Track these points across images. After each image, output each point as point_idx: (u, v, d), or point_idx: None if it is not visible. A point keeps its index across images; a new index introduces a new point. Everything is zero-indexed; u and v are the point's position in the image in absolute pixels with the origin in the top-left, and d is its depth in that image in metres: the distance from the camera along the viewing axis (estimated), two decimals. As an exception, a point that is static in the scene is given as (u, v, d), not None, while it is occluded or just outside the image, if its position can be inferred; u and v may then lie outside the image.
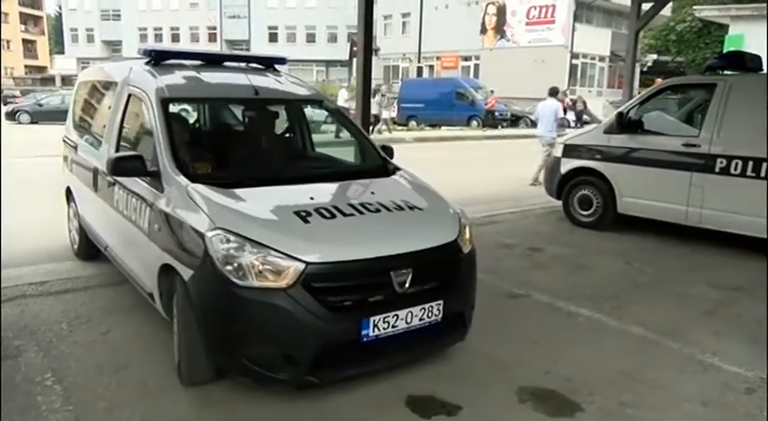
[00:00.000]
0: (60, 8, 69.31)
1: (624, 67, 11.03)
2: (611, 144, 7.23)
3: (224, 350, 3.14)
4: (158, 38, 58.23)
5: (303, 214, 3.23)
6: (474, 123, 26.59)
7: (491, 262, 5.92)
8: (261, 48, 49.64)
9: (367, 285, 3.13)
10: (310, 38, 54.00)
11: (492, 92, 28.68)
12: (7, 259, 5.25)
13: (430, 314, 3.28)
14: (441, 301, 3.31)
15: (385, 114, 23.27)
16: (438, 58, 41.68)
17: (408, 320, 3.20)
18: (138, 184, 3.77)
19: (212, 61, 4.73)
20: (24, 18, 72.14)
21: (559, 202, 7.96)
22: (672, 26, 30.90)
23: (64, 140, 5.91)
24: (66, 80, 41.72)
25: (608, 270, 5.87)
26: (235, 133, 4.87)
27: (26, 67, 63.92)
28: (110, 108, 4.64)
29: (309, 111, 5.11)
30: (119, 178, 3.97)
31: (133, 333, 4.00)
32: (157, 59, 4.39)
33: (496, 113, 27.46)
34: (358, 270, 3.10)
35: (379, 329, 3.11)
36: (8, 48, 69.11)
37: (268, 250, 2.99)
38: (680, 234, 6.83)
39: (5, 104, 31.42)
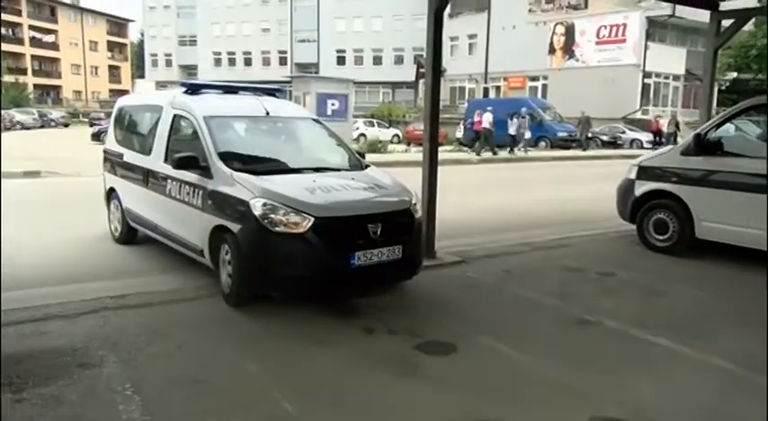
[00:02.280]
0: (143, 35, 73.29)
1: (700, 87, 10.59)
2: (689, 166, 6.95)
3: (262, 274, 4.77)
4: (232, 62, 60.64)
5: (310, 189, 4.94)
6: (542, 144, 26.18)
7: (558, 286, 5.80)
8: (329, 70, 50.67)
9: (352, 232, 4.79)
10: (377, 60, 54.80)
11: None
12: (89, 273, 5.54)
13: (393, 253, 4.96)
14: (400, 246, 5.00)
15: (527, 135, 23.71)
16: (505, 78, 41.41)
17: (379, 257, 4.87)
18: (190, 176, 5.45)
19: (231, 90, 6.53)
20: (111, 46, 76.75)
21: (632, 226, 7.71)
22: (753, 43, 29.53)
23: (105, 152, 7.64)
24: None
25: (685, 297, 5.61)
26: (255, 139, 6.27)
27: (110, 90, 67.74)
28: (156, 124, 6.37)
29: (306, 125, 6.64)
30: (172, 173, 5.71)
31: (206, 347, 4.13)
32: (193, 90, 6.19)
33: (564, 133, 26.94)
34: (346, 223, 4.81)
35: (361, 260, 4.77)
36: (96, 73, 73.61)
37: (290, 209, 4.69)
38: (760, 260, 6.46)
39: (91, 126, 33.33)
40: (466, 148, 25.85)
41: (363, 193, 5.25)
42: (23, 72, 62.65)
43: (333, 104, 22.20)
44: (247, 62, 60.24)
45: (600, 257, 7.04)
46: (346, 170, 5.78)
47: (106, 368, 3.72)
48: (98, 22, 74.83)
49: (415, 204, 5.34)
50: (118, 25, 78.97)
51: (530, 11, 39.46)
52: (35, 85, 64.25)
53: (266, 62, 59.28)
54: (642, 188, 7.47)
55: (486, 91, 42.20)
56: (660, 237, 7.28)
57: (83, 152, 18.43)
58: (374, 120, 36.67)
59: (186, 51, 62.95)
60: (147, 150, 6.46)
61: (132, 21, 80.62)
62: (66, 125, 48.05)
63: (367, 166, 5.99)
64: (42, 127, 44.40)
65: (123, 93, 66.99)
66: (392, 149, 23.86)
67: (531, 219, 9.47)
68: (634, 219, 7.63)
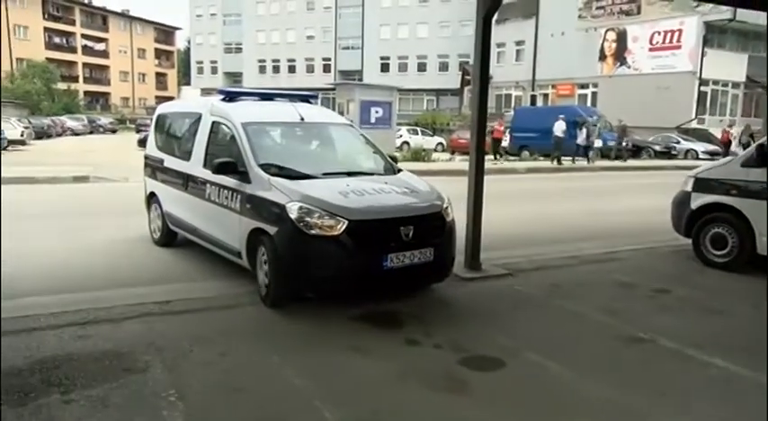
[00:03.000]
0: (189, 42, 75.27)
1: (763, 94, 10.22)
2: (750, 178, 6.72)
3: (298, 275, 4.99)
4: (276, 69, 61.68)
5: (344, 193, 5.14)
6: (591, 154, 25.70)
7: (609, 301, 5.67)
8: (372, 77, 51.05)
9: (385, 235, 5.00)
10: (421, 67, 54.89)
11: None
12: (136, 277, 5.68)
13: (425, 256, 5.16)
14: (432, 248, 5.20)
15: (597, 144, 23.68)
16: (553, 86, 40.92)
17: (411, 259, 5.08)
18: (228, 181, 5.69)
19: (266, 97, 6.78)
20: (159, 53, 79.10)
21: (688, 240, 7.49)
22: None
23: (146, 157, 7.97)
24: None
25: (744, 316, 5.41)
26: (290, 145, 6.47)
27: (157, 97, 69.62)
28: (195, 131, 6.64)
29: (340, 131, 6.81)
30: (211, 178, 5.95)
31: (248, 356, 4.18)
32: (231, 97, 6.54)
33: (615, 143, 26.42)
34: (379, 226, 5.01)
35: (393, 262, 4.98)
36: (143, 80, 75.94)
37: (324, 213, 4.90)
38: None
39: (138, 132, 34.39)
40: (512, 157, 25.61)
41: (396, 197, 5.44)
42: (75, 79, 65.03)
43: (376, 112, 22.35)
44: (291, 69, 61.17)
45: (653, 272, 6.85)
46: (379, 175, 5.98)
47: (151, 373, 3.81)
48: (146, 30, 77.22)
49: (446, 208, 5.52)
50: (165, 33, 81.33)
51: (579, 17, 38.95)
52: (85, 92, 66.63)
53: (310, 69, 60.09)
54: (699, 201, 7.25)
55: (533, 98, 41.74)
56: (718, 253, 7.05)
57: (129, 157, 18.95)
58: (418, 128, 36.69)
59: (231, 59, 64.35)
60: (186, 156, 6.75)
61: (179, 29, 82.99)
62: (114, 131, 49.68)
63: (400, 171, 6.20)
64: (91, 133, 46.09)
65: (169, 99, 68.97)
66: (436, 158, 23.79)
67: (580, 230, 9.30)
68: (690, 232, 7.41)
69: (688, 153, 28.45)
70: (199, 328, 4.64)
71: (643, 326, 4.95)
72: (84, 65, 68.35)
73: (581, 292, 5.97)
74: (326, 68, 59.13)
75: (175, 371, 3.85)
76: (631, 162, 25.07)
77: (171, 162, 7.18)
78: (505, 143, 28.19)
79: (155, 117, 8.27)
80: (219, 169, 5.66)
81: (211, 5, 64.81)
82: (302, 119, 6.28)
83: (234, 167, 5.59)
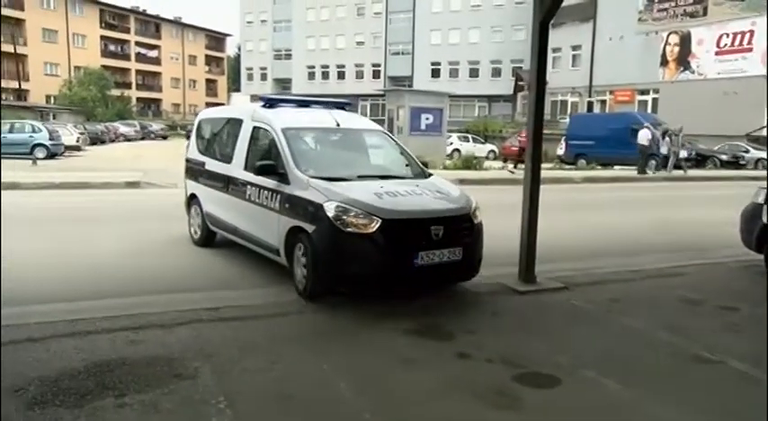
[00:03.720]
0: (239, 49, 77.07)
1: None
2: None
3: (334, 271, 5.41)
4: (325, 76, 62.48)
5: (378, 194, 5.54)
6: (652, 163, 25.08)
7: (672, 318, 5.51)
8: (423, 83, 51.16)
9: (416, 234, 5.36)
10: (473, 73, 54.70)
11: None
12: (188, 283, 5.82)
13: (453, 255, 5.53)
14: (461, 248, 5.57)
15: (683, 154, 23.17)
16: (611, 91, 40.16)
17: (441, 257, 5.44)
18: (268, 182, 6.16)
19: (304, 104, 7.31)
20: (209, 60, 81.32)
21: (759, 255, 7.21)
22: None
23: (187, 161, 8.50)
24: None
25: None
26: (327, 149, 6.94)
27: (207, 103, 71.41)
28: (236, 135, 7.13)
29: (374, 136, 7.26)
30: (252, 179, 6.50)
31: (297, 363, 4.23)
32: (271, 104, 7.04)
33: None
34: (410, 225, 5.38)
35: (424, 260, 5.35)
36: (194, 87, 78.15)
37: (359, 211, 5.30)
38: None
39: (188, 138, 35.24)
40: (567, 166, 25.22)
41: (427, 199, 5.82)
42: (128, 86, 67.50)
43: (427, 119, 22.37)
44: (340, 75, 61.87)
45: (720, 289, 6.62)
46: (410, 178, 6.45)
47: (200, 379, 3.90)
48: (198, 37, 79.53)
49: (474, 210, 5.91)
50: (216, 40, 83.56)
51: (639, 20, 38.16)
52: (138, 99, 69.09)
53: (359, 75, 60.65)
54: (771, 214, 6.98)
55: (590, 105, 41.08)
56: (792, 269, 6.76)
57: (179, 164, 19.51)
58: (469, 135, 36.58)
59: (281, 65, 65.55)
60: (228, 159, 7.25)
61: (230, 35, 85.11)
62: (165, 137, 51.28)
63: (430, 175, 6.68)
64: (143, 138, 47.72)
65: (219, 106, 70.75)
66: (488, 166, 23.63)
67: (641, 243, 9.06)
68: (761, 247, 7.13)
69: (758, 163, 27.36)
70: (248, 335, 4.73)
71: (709, 346, 4.79)
72: (138, 72, 70.89)
73: (642, 308, 5.82)
74: (376, 74, 59.56)
75: (225, 378, 3.93)
76: (695, 172, 24.29)
77: (212, 165, 7.66)
78: (561, 151, 27.83)
79: (196, 122, 8.84)
80: (261, 171, 6.21)
81: (262, 12, 66.24)
82: (338, 124, 6.79)
83: (274, 169, 6.09)
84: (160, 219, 9.80)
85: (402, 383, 3.97)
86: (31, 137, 25.35)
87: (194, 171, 8.21)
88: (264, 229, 6.34)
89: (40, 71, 58.26)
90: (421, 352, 4.52)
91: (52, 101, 56.43)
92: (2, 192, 10.56)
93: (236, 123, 7.34)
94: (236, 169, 6.97)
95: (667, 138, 22.82)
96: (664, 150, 22.79)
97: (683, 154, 23.17)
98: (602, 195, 16.68)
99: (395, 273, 5.36)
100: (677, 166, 23.14)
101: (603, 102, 40.99)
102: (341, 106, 7.45)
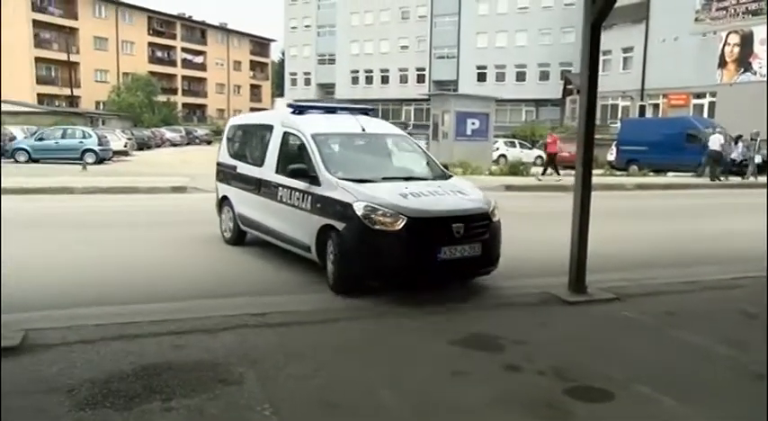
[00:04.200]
0: (284, 54, 78.20)
1: None
2: None
3: (363, 265, 5.97)
4: (369, 80, 62.94)
5: (403, 194, 6.10)
6: (708, 169, 24.40)
7: (733, 333, 5.33)
8: (468, 87, 50.94)
9: (439, 231, 5.91)
10: (520, 76, 54.26)
11: None
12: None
13: (473, 250, 6.08)
14: (480, 244, 6.12)
15: (758, 159, 22.71)
16: (664, 95, 39.19)
17: (462, 252, 5.99)
18: (299, 184, 6.70)
19: (330, 110, 8.00)
20: (253, 65, 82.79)
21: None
22: None
23: (219, 164, 9.01)
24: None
25: None
26: (354, 152, 7.43)
27: (251, 109, 72.73)
28: (267, 140, 7.68)
29: (397, 140, 7.86)
30: (283, 181, 7.05)
31: (343, 371, 4.25)
32: (300, 111, 7.61)
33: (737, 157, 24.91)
34: (434, 222, 5.94)
35: (446, 254, 5.91)
36: (238, 92, 79.64)
37: (386, 210, 5.84)
38: None
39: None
40: (618, 172, 24.73)
41: (449, 198, 6.38)
42: (174, 92, 69.25)
43: (473, 123, 22.26)
44: (384, 80, 62.20)
45: (784, 303, 6.37)
46: (432, 179, 6.96)
47: (245, 385, 3.95)
48: (242, 42, 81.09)
49: (493, 209, 6.46)
50: (260, 45, 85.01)
51: (696, 20, 37.15)
52: (183, 104, 70.77)
53: (404, 80, 60.84)
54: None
55: (642, 109, 40.13)
56: None
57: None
58: (515, 141, 36.24)
59: (325, 70, 66.28)
60: (259, 162, 7.79)
61: (274, 41, 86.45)
62: (209, 142, 52.25)
63: (450, 177, 7.25)
64: (188, 144, 48.84)
65: (262, 111, 71.84)
66: (535, 172, 23.34)
67: (698, 253, 8.80)
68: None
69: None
70: (293, 342, 4.78)
71: (772, 362, 4.61)
72: (183, 77, 72.67)
73: (700, 322, 5.64)
74: (420, 78, 59.68)
75: (270, 385, 3.97)
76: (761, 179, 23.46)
77: (244, 168, 8.22)
78: (611, 157, 27.32)
79: (227, 128, 9.44)
80: (293, 174, 6.77)
81: (306, 17, 67.16)
82: (363, 129, 7.37)
83: (305, 172, 6.63)
84: (204, 223, 9.97)
85: (449, 394, 3.94)
86: (81, 142, 26.25)
87: (226, 174, 8.72)
88: (296, 228, 6.84)
89: (91, 78, 60.36)
90: (468, 362, 4.48)
91: (101, 107, 58.36)
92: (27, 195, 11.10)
93: (266, 129, 7.89)
94: (268, 172, 7.47)
95: (740, 143, 22.13)
96: (735, 156, 22.11)
97: (758, 159, 22.42)
98: (655, 203, 16.29)
99: (420, 266, 5.91)
100: (739, 173, 22.42)
101: (656, 105, 40.02)
102: (364, 112, 8.04)
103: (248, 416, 3.55)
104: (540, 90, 52.22)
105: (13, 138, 28.01)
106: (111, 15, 63.11)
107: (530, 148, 35.26)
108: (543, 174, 21.14)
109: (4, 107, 43.59)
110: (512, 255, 6.76)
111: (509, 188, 18.22)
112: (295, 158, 7.01)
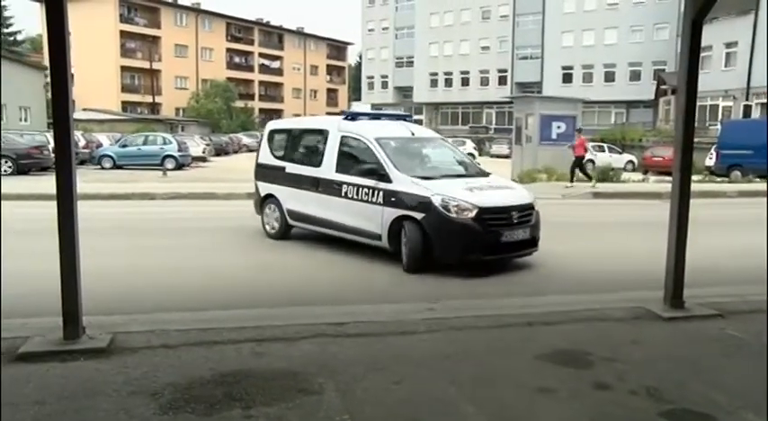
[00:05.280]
0: (361, 58, 79.29)
1: None
2: None
3: (444, 250, 7.43)
4: (448, 82, 62.89)
5: (468, 189, 7.70)
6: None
7: None
8: (553, 89, 50.06)
9: (502, 218, 7.56)
10: (609, 77, 52.81)
11: None
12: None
13: (525, 233, 7.76)
14: (528, 228, 7.81)
15: None
16: (774, 94, 37.09)
17: (517, 235, 7.67)
18: (367, 181, 7.97)
19: (375, 117, 9.60)
20: (330, 69, 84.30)
21: None
22: None
23: (260, 165, 10.12)
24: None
25: None
26: (408, 154, 8.62)
27: (327, 113, 74.11)
28: (323, 143, 8.82)
29: (438, 143, 9.55)
30: (347, 179, 8.25)
31: (424, 385, 4.25)
32: (352, 117, 8.99)
33: None
34: (498, 211, 7.57)
35: (507, 238, 7.57)
36: (314, 97, 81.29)
37: (461, 202, 7.40)
38: None
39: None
40: (719, 178, 23.61)
41: (503, 192, 8.13)
42: (251, 97, 71.54)
43: (558, 127, 21.80)
44: (464, 82, 61.92)
45: None
46: (474, 176, 8.47)
47: (325, 396, 4.01)
48: (319, 46, 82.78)
49: (535, 200, 8.17)
50: (337, 49, 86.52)
51: (811, 10, 34.99)
52: (260, 110, 72.96)
53: (484, 82, 60.40)
54: None
55: (747, 109, 38.10)
56: None
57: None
58: (604, 145, 35.25)
59: (402, 73, 66.67)
60: (316, 163, 8.86)
61: (351, 44, 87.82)
62: (286, 148, 53.68)
63: (489, 174, 8.73)
64: (265, 149, 50.12)
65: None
66: (626, 178, 22.61)
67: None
68: None
69: None
70: (372, 353, 4.82)
71: None
72: (260, 83, 74.96)
73: (815, 343, 5.30)
74: (502, 80, 59.07)
75: (349, 396, 4.02)
76: None
77: (294, 168, 9.28)
78: (710, 161, 26.15)
79: (266, 132, 10.47)
80: (364, 173, 8.03)
81: (384, 19, 67.86)
82: (412, 134, 8.90)
83: (374, 171, 7.92)
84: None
85: (534, 412, 3.88)
86: (161, 148, 27.55)
87: (270, 174, 9.77)
88: (365, 220, 8.01)
89: (171, 85, 63.31)
90: (555, 379, 4.38)
91: (181, 113, 61.04)
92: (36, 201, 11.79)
93: (319, 134, 9.12)
94: (327, 172, 8.59)
95: None
96: None
97: None
98: (761, 212, 15.42)
99: (489, 247, 7.52)
100: None
101: (763, 105, 37.95)
102: (403, 118, 9.78)
103: (328, 427, 3.61)
104: (631, 91, 50.63)
105: (99, 145, 29.68)
106: (191, 23, 66.02)
107: (620, 153, 34.21)
108: (571, 180, 19.59)
109: (92, 115, 46.39)
110: (599, 268, 6.60)
111: (597, 196, 17.76)
112: (356, 159, 8.33)
